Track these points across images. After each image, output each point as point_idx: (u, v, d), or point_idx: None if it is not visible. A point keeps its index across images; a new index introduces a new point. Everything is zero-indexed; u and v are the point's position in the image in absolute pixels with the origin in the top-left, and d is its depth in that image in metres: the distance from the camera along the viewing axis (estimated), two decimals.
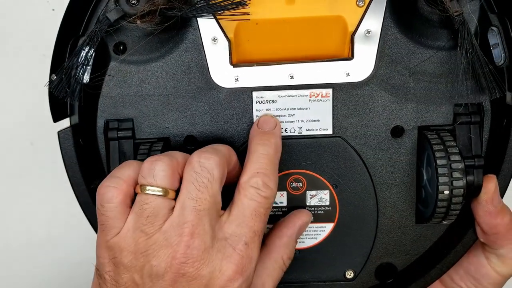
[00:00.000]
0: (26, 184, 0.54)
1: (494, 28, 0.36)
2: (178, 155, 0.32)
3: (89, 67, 0.35)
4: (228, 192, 0.33)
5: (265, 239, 0.36)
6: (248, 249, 0.31)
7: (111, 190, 0.31)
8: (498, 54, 0.36)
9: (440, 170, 0.34)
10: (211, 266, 0.30)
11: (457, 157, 0.34)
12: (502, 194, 0.37)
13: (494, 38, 0.36)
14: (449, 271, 0.39)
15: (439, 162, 0.34)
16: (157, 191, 0.31)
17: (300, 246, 0.38)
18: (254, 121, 0.37)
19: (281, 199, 0.38)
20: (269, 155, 0.34)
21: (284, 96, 0.36)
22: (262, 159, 0.33)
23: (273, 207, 0.38)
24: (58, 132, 0.36)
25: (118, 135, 0.37)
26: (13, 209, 0.55)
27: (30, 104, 0.48)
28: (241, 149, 0.37)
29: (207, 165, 0.31)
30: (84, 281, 0.57)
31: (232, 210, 0.32)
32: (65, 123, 0.37)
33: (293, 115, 0.37)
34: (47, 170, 0.54)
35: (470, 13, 0.35)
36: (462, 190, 0.34)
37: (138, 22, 0.35)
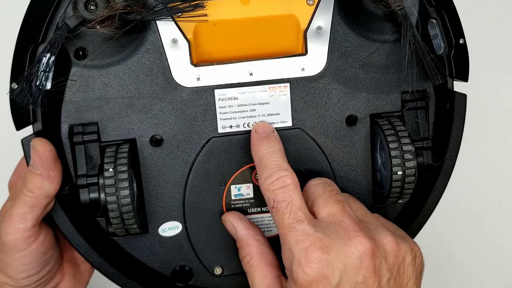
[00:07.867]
0: None
1: (433, 20, 0.39)
2: None
3: (51, 74, 0.35)
4: None
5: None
6: None
7: None
8: (438, 44, 0.39)
9: (392, 153, 0.37)
10: None
11: (407, 140, 0.37)
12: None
13: (433, 29, 0.39)
14: None
15: (391, 145, 0.37)
16: None
17: (268, 234, 0.40)
18: (217, 116, 0.38)
19: (248, 191, 0.39)
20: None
21: (245, 93, 0.38)
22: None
23: (241, 199, 0.40)
24: (22, 140, 0.36)
25: (84, 139, 0.37)
26: None
27: None
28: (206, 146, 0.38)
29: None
30: None
31: None
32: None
33: (255, 110, 0.38)
34: None
35: (411, 6, 0.38)
36: (413, 170, 0.37)
37: (98, 27, 0.35)
